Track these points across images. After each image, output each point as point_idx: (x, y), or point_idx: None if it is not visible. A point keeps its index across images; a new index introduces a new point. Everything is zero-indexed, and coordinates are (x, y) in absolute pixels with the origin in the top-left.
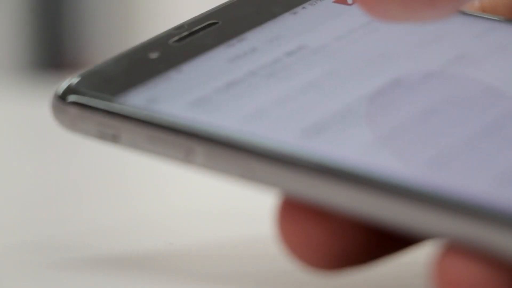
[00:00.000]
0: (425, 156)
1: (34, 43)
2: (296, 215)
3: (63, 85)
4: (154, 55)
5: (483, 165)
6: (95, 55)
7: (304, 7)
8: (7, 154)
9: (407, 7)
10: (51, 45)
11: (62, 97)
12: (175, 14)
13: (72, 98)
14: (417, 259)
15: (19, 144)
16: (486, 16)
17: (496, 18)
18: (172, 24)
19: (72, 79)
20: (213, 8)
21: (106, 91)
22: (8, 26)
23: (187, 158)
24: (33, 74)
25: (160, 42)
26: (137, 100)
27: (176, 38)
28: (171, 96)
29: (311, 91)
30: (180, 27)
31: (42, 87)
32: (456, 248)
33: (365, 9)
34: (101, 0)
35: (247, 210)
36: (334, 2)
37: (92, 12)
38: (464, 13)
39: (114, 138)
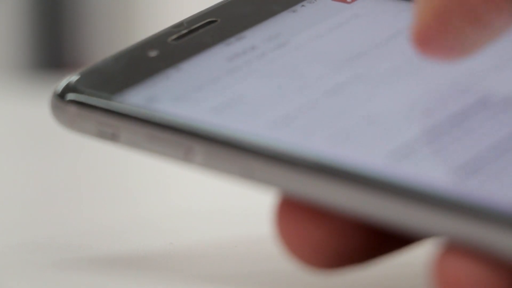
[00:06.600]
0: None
1: (34, 43)
2: (295, 214)
3: (62, 83)
4: (153, 54)
5: (484, 165)
6: (95, 55)
7: (303, 5)
8: (7, 154)
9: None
10: (51, 45)
11: (61, 95)
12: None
13: (71, 96)
14: (417, 259)
15: (19, 144)
16: None
17: None
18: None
19: (71, 77)
20: (212, 6)
21: (105, 89)
22: (8, 26)
23: (186, 157)
24: (33, 74)
25: (159, 40)
26: (136, 98)
27: (175, 36)
28: (170, 95)
29: (309, 88)
30: (179, 25)
31: (42, 87)
32: (456, 248)
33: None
34: (101, 0)
35: (246, 210)
36: (333, 0)
37: (92, 12)
38: None
39: (113, 137)
